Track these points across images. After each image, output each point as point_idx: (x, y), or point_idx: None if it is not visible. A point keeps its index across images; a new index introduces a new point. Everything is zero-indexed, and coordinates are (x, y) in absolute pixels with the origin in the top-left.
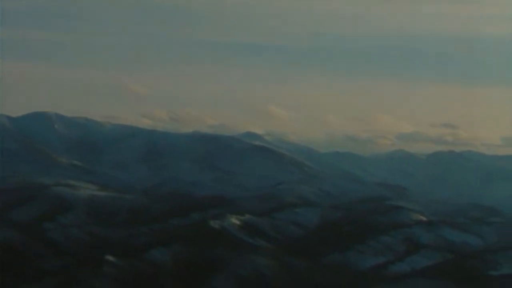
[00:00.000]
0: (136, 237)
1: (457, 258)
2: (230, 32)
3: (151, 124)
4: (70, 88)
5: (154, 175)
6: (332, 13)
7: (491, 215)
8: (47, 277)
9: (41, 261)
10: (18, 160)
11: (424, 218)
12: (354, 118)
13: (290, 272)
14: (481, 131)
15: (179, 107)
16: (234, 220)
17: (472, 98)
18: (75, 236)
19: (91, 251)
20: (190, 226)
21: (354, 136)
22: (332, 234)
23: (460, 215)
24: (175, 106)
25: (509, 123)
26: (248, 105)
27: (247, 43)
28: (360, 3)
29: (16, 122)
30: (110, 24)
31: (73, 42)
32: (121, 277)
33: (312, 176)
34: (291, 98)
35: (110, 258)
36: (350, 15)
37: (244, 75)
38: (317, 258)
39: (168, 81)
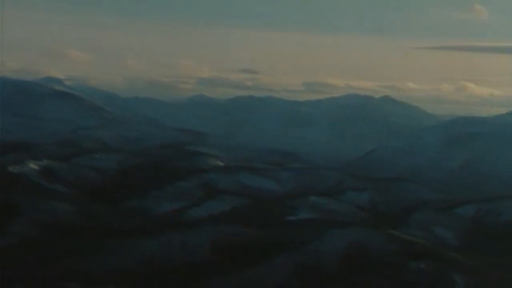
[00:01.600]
0: None
1: (255, 203)
2: None
3: None
4: None
5: None
6: None
7: (290, 161)
8: None
9: None
10: None
11: (222, 163)
12: (155, 63)
13: (88, 217)
14: (283, 77)
15: None
16: (33, 165)
17: (273, 43)
18: None
19: None
20: None
21: (155, 81)
22: (130, 180)
23: (259, 160)
24: None
25: (311, 69)
26: (49, 48)
27: None
28: None
29: None
30: None
31: None
32: None
33: (112, 121)
34: (92, 41)
35: None
36: None
37: (44, 18)
38: (116, 203)
39: None
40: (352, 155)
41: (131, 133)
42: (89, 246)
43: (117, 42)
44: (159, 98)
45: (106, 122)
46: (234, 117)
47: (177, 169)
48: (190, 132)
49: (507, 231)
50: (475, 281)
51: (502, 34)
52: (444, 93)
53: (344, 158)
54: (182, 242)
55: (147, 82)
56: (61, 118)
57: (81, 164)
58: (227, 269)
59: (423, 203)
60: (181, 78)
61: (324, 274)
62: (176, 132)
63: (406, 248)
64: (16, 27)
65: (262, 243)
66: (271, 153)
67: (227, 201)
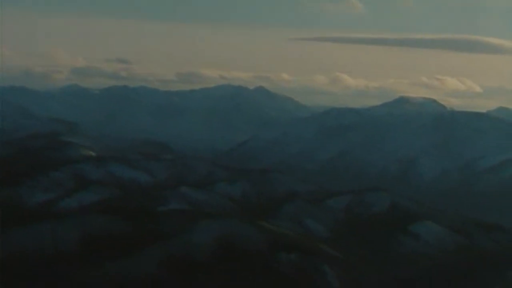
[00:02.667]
0: None
1: (126, 194)
2: None
3: None
4: None
5: None
6: None
7: (162, 152)
8: None
9: None
10: None
11: (93, 154)
12: (28, 52)
13: None
14: (156, 67)
15: None
16: None
17: (146, 33)
18: None
19: None
20: None
21: (29, 70)
22: (2, 170)
23: (131, 151)
24: None
25: (184, 59)
26: None
27: None
28: None
29: None
30: None
31: None
32: None
33: None
34: None
35: None
36: None
37: None
38: None
39: None
40: (225, 146)
41: (4, 123)
42: None
43: None
44: (33, 88)
45: None
46: (108, 107)
47: (49, 159)
48: (63, 122)
49: (378, 223)
50: (345, 272)
51: (376, 26)
52: (318, 84)
53: (217, 149)
54: (53, 232)
55: (20, 72)
56: None
57: None
58: (97, 260)
59: (294, 194)
60: (55, 67)
61: (194, 265)
62: (49, 122)
63: (276, 239)
64: None
65: (132, 234)
66: (143, 144)
67: (98, 192)
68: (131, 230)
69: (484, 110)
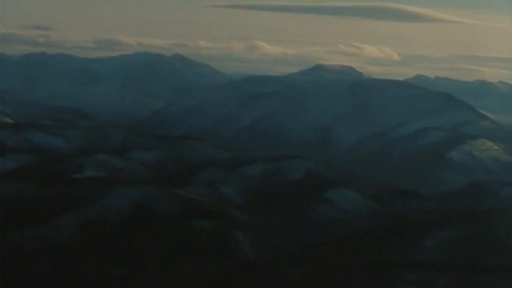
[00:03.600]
0: None
1: (42, 161)
2: None
3: None
4: None
5: None
6: None
7: (79, 118)
8: None
9: None
10: None
11: (11, 121)
12: None
13: None
14: (74, 34)
15: None
16: None
17: None
18: None
19: None
20: None
21: None
22: None
23: (48, 117)
24: None
25: (102, 26)
26: None
27: None
28: None
29: None
30: None
31: None
32: None
33: None
34: None
35: None
36: None
37: None
38: None
39: None
40: (142, 113)
41: None
42: None
43: None
44: None
45: None
46: (26, 74)
47: None
48: None
49: (293, 190)
50: (259, 239)
51: None
52: (236, 51)
53: (134, 116)
54: None
55: None
56: None
57: None
58: (15, 226)
59: (210, 161)
60: None
61: (108, 232)
62: None
63: (190, 206)
64: None
65: (47, 200)
66: (61, 111)
67: (15, 159)
68: (47, 197)
69: (402, 78)
